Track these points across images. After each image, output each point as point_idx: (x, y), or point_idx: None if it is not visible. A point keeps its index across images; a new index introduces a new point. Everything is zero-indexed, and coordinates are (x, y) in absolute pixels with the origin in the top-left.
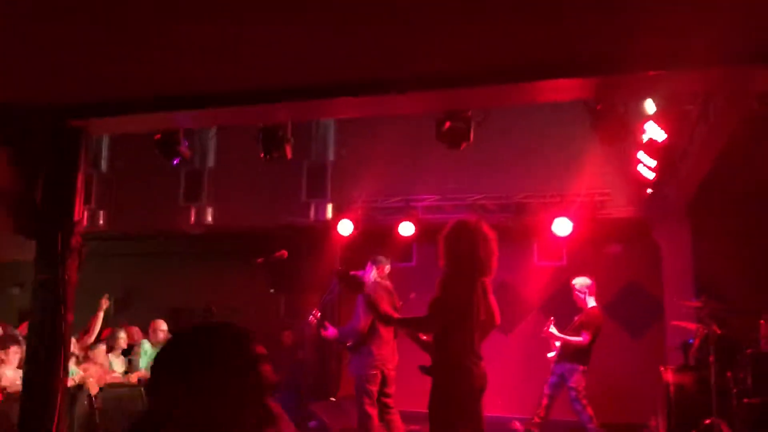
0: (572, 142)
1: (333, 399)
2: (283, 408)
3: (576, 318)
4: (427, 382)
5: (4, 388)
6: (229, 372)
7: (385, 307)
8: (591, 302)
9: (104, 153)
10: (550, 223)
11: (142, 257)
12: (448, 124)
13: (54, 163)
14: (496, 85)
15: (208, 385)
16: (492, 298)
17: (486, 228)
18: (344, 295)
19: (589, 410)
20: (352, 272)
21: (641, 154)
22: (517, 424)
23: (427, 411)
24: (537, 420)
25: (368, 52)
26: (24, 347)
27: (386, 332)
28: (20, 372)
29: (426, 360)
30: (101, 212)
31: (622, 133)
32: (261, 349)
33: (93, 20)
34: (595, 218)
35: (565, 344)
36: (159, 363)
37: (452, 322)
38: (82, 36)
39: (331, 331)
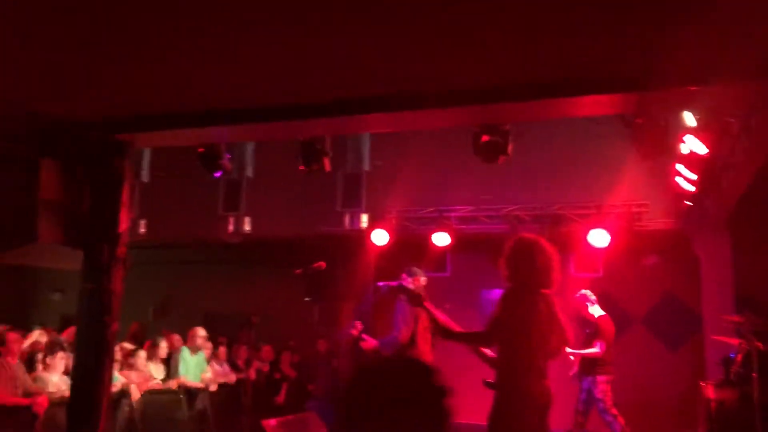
0: (610, 153)
1: None
2: (320, 416)
3: (586, 330)
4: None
5: (51, 394)
6: (420, 406)
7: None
8: (598, 311)
9: (145, 163)
10: (587, 234)
11: (181, 265)
12: (485, 137)
13: (101, 176)
14: (535, 101)
15: (400, 419)
16: (562, 316)
17: (545, 242)
18: (379, 306)
19: (621, 420)
20: (382, 282)
21: (680, 167)
22: None
23: (487, 426)
24: None
25: (406, 67)
26: (69, 354)
27: (424, 344)
28: (65, 378)
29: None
30: (142, 221)
31: (662, 147)
32: (443, 382)
33: (139, 39)
34: (632, 229)
35: (583, 358)
36: (351, 399)
37: (514, 336)
38: (128, 53)
39: (370, 343)
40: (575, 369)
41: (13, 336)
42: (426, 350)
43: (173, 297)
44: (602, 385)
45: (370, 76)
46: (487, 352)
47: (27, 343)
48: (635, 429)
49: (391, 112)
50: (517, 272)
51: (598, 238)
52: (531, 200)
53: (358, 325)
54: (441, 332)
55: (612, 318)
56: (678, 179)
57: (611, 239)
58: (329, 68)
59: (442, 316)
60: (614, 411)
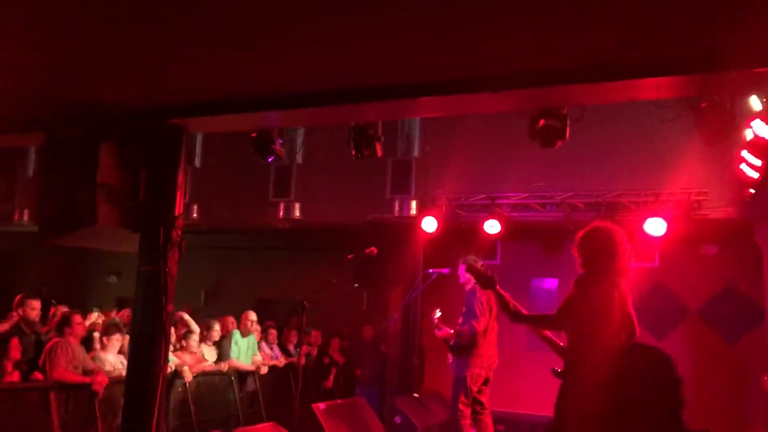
0: (669, 138)
1: (416, 395)
2: (368, 402)
3: None
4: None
5: (108, 372)
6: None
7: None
8: None
9: (198, 149)
10: (643, 222)
11: (232, 251)
12: (542, 122)
13: (156, 160)
14: (595, 83)
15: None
16: (631, 309)
17: (621, 231)
18: (429, 292)
19: None
20: (432, 269)
21: (745, 153)
22: None
23: (554, 412)
24: None
25: (460, 50)
26: (125, 335)
27: (494, 332)
28: (121, 357)
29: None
30: (195, 206)
31: (726, 132)
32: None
33: (194, 25)
34: (690, 218)
35: None
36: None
37: (585, 323)
38: (182, 39)
39: (445, 332)
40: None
41: (78, 318)
42: (494, 341)
43: (224, 282)
44: None
45: (423, 60)
46: (557, 340)
47: (86, 324)
48: (692, 422)
49: (445, 96)
50: (593, 259)
51: (655, 226)
52: (586, 187)
53: (437, 311)
54: (510, 315)
55: (668, 309)
56: (742, 166)
57: (668, 228)
58: (382, 52)
59: (511, 300)
60: None
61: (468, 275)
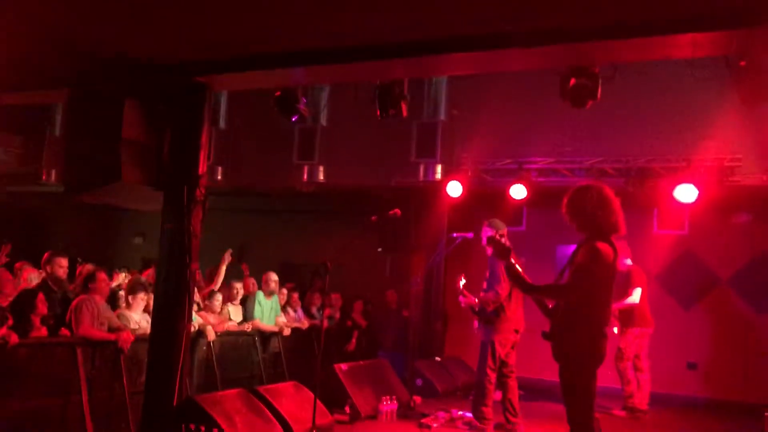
0: (702, 102)
1: (438, 359)
2: (391, 366)
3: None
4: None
5: (133, 330)
6: None
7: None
8: (627, 262)
9: (222, 110)
10: (673, 189)
11: (257, 213)
12: (573, 80)
13: (180, 118)
14: (628, 40)
15: None
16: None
17: (607, 188)
18: (452, 257)
19: (630, 374)
20: (457, 234)
21: None
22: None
23: (559, 377)
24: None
25: (489, 4)
26: (150, 293)
27: (519, 294)
28: (146, 316)
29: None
30: (219, 168)
31: (766, 91)
32: None
33: None
34: (723, 185)
35: (622, 312)
36: None
37: (594, 286)
38: None
39: (470, 299)
40: (617, 326)
41: (102, 276)
42: (519, 305)
43: (249, 244)
44: (630, 336)
45: (451, 15)
46: (547, 302)
47: (112, 285)
48: (718, 391)
49: (473, 52)
50: (592, 221)
51: (685, 193)
52: (616, 152)
53: (462, 278)
54: (522, 287)
55: (696, 278)
56: None
57: (699, 195)
58: (409, 7)
59: (521, 271)
60: (626, 364)
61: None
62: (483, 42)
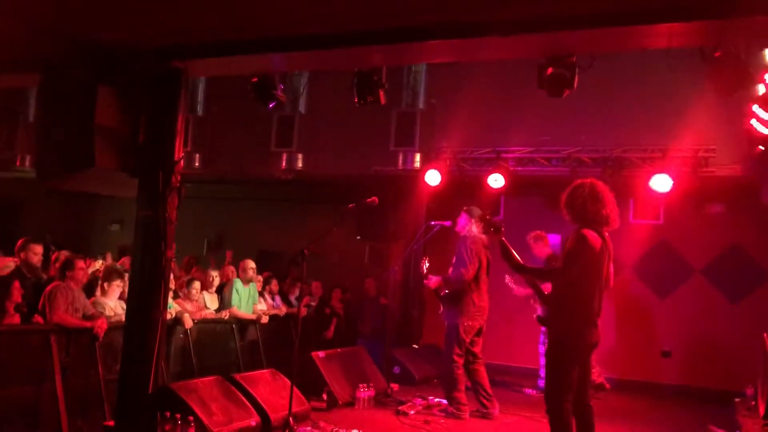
0: (677, 93)
1: (415, 346)
2: (369, 353)
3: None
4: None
5: (108, 318)
6: None
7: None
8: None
9: (200, 97)
10: (649, 179)
11: (235, 201)
12: (550, 70)
13: (156, 104)
14: (604, 28)
15: None
16: (611, 262)
17: (603, 184)
18: (430, 245)
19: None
20: (435, 222)
21: (756, 108)
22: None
23: (545, 359)
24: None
25: None
26: (126, 281)
27: (485, 284)
28: (121, 303)
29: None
30: (197, 155)
31: (740, 83)
32: None
33: None
34: (697, 176)
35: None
36: None
37: (584, 274)
38: None
39: (433, 281)
40: (539, 311)
41: (81, 264)
42: (486, 290)
43: (227, 232)
44: None
45: (429, 2)
46: (543, 288)
47: (89, 271)
48: (690, 378)
49: (450, 40)
50: (583, 214)
51: (661, 183)
52: (592, 142)
53: (425, 261)
54: (514, 266)
55: (671, 267)
56: (752, 122)
57: (674, 185)
58: None
59: (512, 251)
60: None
61: (465, 223)
62: (460, 30)
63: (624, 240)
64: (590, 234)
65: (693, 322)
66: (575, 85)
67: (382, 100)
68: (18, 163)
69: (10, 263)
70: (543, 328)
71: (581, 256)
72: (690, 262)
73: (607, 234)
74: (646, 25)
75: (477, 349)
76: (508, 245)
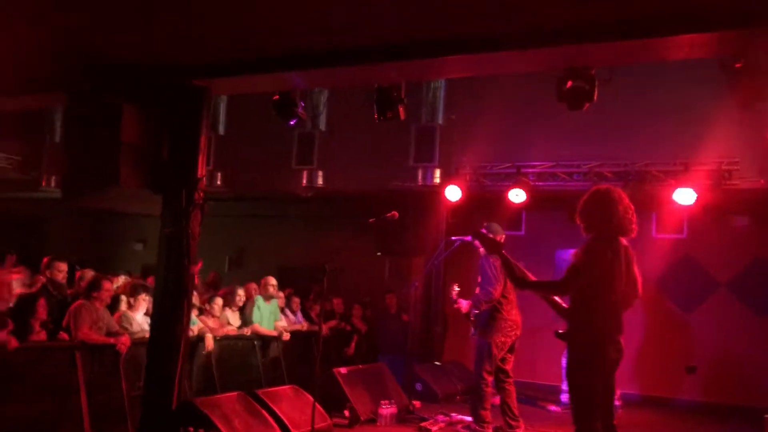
0: (699, 105)
1: (438, 363)
2: (390, 370)
3: None
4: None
5: (133, 334)
6: None
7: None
8: None
9: (222, 116)
10: (671, 193)
11: (256, 218)
12: (570, 83)
13: (179, 122)
14: (624, 41)
15: None
16: (635, 268)
17: (620, 191)
18: (451, 261)
19: None
20: (455, 237)
21: None
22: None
23: (566, 376)
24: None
25: (483, 5)
26: (150, 297)
27: (513, 297)
28: (147, 319)
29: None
30: (219, 173)
31: (763, 93)
32: None
33: None
34: (721, 188)
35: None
36: None
37: (593, 286)
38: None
39: (465, 305)
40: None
41: (108, 285)
42: (515, 307)
43: (248, 249)
44: None
45: (447, 16)
46: (561, 302)
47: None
48: (718, 395)
49: (470, 54)
50: (595, 222)
51: (684, 196)
52: (614, 156)
53: (455, 287)
54: (516, 282)
55: (695, 282)
56: None
57: (698, 199)
58: (405, 8)
59: (518, 265)
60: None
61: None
62: (478, 44)
63: (647, 254)
64: (598, 246)
65: (718, 336)
66: (595, 97)
67: (402, 116)
68: (44, 183)
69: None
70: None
71: (587, 270)
72: (714, 276)
73: (625, 242)
74: (666, 36)
75: (508, 367)
76: (510, 259)
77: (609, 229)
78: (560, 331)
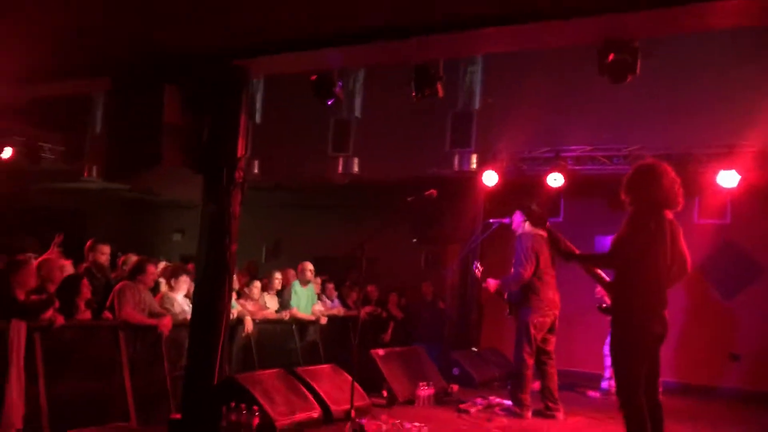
0: (745, 84)
1: (474, 349)
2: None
3: None
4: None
5: (175, 315)
6: None
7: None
8: None
9: (258, 105)
10: (714, 177)
11: (292, 208)
12: (612, 56)
13: (219, 102)
14: (668, 8)
15: None
16: (683, 244)
17: (666, 165)
18: (490, 245)
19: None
20: (494, 219)
21: None
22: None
23: (610, 350)
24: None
25: None
26: (191, 281)
27: (550, 278)
28: (187, 301)
29: None
30: (255, 162)
31: None
32: None
33: None
34: (765, 172)
35: None
36: None
37: (638, 259)
38: None
39: (492, 284)
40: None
41: (152, 268)
42: (554, 283)
43: (284, 238)
44: None
45: None
46: (604, 276)
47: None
48: (763, 383)
49: (507, 26)
50: (640, 195)
51: (728, 179)
52: (655, 139)
53: (478, 264)
54: (562, 254)
55: (739, 268)
56: None
57: (741, 182)
58: None
59: (563, 239)
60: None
61: (520, 220)
62: (516, 15)
63: (689, 240)
64: (644, 218)
65: (763, 323)
66: (638, 70)
67: (440, 93)
68: (86, 174)
69: (68, 265)
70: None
71: (635, 241)
72: (759, 262)
73: (671, 217)
74: (706, 2)
75: (550, 348)
76: (555, 233)
77: (653, 202)
78: (604, 306)
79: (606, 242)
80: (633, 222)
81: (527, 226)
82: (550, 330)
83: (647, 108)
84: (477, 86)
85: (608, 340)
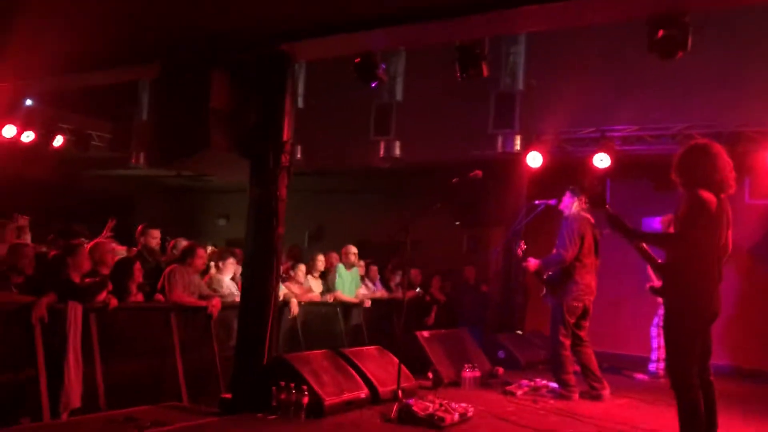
0: None
1: (519, 332)
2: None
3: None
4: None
5: (224, 298)
6: None
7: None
8: None
9: (301, 90)
10: (766, 156)
11: (334, 193)
12: (661, 31)
13: (265, 86)
14: None
15: None
16: (731, 224)
17: (718, 145)
18: (534, 227)
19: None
20: (539, 201)
21: None
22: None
23: (663, 333)
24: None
25: None
26: (239, 264)
27: (590, 262)
28: (234, 283)
29: None
30: (299, 147)
31: None
32: None
33: None
34: None
35: None
36: None
37: (696, 237)
38: None
39: (533, 263)
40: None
41: (202, 252)
42: (592, 268)
43: (327, 224)
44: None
45: None
46: (655, 256)
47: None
48: None
49: (549, 3)
50: (696, 177)
51: None
52: (704, 117)
53: (522, 245)
54: (625, 233)
55: None
56: None
57: None
58: None
59: (622, 219)
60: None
61: (569, 202)
62: None
63: (739, 222)
64: (706, 195)
65: None
66: (689, 46)
67: (485, 72)
68: (133, 161)
69: (122, 251)
70: (659, 311)
71: (698, 218)
72: None
73: (724, 197)
74: None
75: (583, 333)
76: (615, 214)
77: (711, 184)
78: (655, 286)
79: (653, 223)
80: (695, 202)
81: (575, 207)
82: (583, 315)
83: (695, 85)
84: (520, 66)
85: (656, 321)
